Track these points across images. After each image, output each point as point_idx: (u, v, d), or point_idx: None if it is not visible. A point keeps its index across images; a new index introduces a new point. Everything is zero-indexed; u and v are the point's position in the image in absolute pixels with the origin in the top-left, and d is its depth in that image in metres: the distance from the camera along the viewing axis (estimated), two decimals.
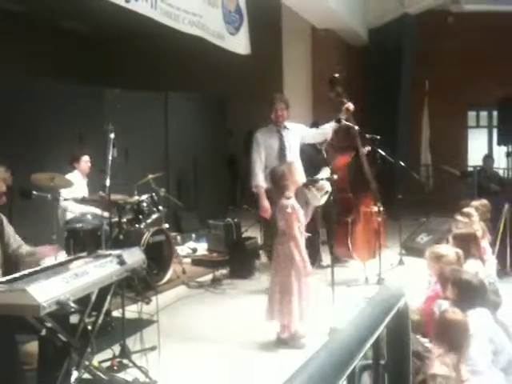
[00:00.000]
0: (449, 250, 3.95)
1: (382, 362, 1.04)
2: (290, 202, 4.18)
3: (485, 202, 5.96)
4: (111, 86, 9.07)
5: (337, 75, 6.22)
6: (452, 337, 2.68)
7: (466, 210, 5.58)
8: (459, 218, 5.61)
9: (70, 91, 8.07)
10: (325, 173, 5.49)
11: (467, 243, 4.31)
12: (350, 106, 5.98)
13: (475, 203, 5.85)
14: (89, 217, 6.14)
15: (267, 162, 5.62)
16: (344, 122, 6.01)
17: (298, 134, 5.86)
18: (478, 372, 2.70)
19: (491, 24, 11.19)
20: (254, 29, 7.71)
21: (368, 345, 0.81)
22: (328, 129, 5.88)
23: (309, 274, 4.25)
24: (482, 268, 4.16)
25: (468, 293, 3.14)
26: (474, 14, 11.35)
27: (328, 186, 5.48)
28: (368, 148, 6.22)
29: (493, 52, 11.32)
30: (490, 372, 2.79)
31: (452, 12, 11.76)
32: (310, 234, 4.51)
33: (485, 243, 5.18)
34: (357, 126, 6.06)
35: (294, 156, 5.67)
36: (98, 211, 5.98)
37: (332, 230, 5.40)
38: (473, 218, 5.42)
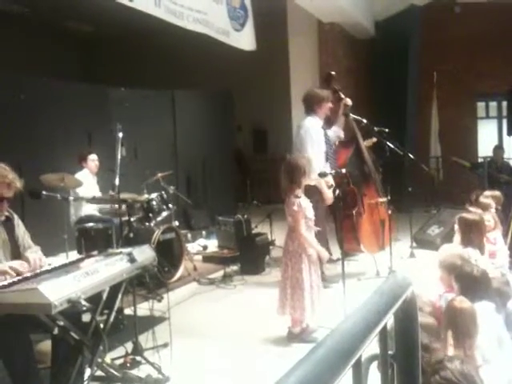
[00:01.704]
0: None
1: (391, 352, 1.04)
2: (298, 199, 4.17)
3: (497, 193, 5.92)
4: (117, 85, 9.11)
5: (332, 72, 6.23)
6: (462, 324, 2.67)
7: (484, 200, 5.55)
8: (471, 208, 5.58)
9: (76, 91, 8.12)
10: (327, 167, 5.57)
11: (469, 229, 4.30)
12: (348, 101, 6.02)
13: (488, 194, 5.82)
14: (100, 215, 6.18)
15: (319, 151, 5.72)
16: (352, 115, 6.02)
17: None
18: (487, 360, 2.69)
19: (498, 13, 11.09)
20: (260, 24, 7.70)
21: (374, 333, 0.81)
22: (340, 131, 6.08)
23: (317, 269, 4.25)
24: (481, 258, 4.12)
25: (470, 285, 3.13)
26: (480, 4, 11.26)
27: (331, 180, 5.49)
28: (373, 140, 6.23)
29: (501, 41, 11.23)
30: (498, 360, 2.78)
31: (458, 2, 11.68)
32: (319, 229, 4.49)
33: (497, 234, 5.16)
34: (365, 119, 6.06)
35: (333, 151, 5.92)
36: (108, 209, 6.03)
37: (339, 223, 5.39)
38: (491, 209, 5.40)
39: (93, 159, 6.33)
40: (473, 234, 4.29)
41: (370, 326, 0.78)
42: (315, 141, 5.69)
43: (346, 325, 0.76)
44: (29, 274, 2.98)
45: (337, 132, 6.10)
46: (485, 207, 5.39)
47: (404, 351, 1.04)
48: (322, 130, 5.83)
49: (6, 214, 3.37)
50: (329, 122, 6.08)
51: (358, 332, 0.74)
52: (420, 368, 1.08)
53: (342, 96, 6.07)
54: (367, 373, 1.21)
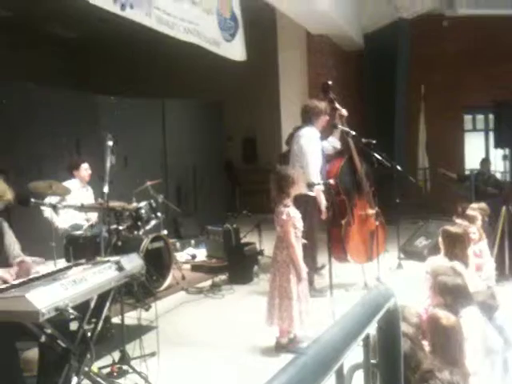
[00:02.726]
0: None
1: (374, 361, 1.07)
2: (287, 209, 4.20)
3: (483, 205, 5.97)
4: (107, 93, 9.12)
5: (329, 82, 6.28)
6: (452, 342, 2.70)
7: (470, 213, 5.59)
8: (458, 220, 5.63)
9: (66, 98, 8.12)
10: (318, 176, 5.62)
11: (452, 241, 4.33)
12: (343, 111, 6.08)
13: (474, 206, 5.87)
14: (88, 223, 6.17)
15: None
16: (340, 126, 6.07)
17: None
18: (475, 372, 2.72)
19: (486, 28, 11.26)
20: (250, 35, 7.76)
21: (356, 342, 0.83)
22: (336, 142, 6.14)
23: (304, 279, 4.27)
24: (465, 270, 4.16)
25: (458, 294, 3.16)
26: (468, 18, 11.41)
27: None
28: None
29: (488, 55, 11.39)
30: (485, 371, 2.81)
31: (447, 16, 11.83)
32: (305, 241, 4.51)
33: (482, 246, 5.20)
34: (353, 130, 6.11)
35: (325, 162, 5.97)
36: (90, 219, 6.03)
37: (328, 233, 5.44)
38: (477, 221, 5.44)
39: (86, 168, 6.31)
40: (456, 246, 4.32)
41: (352, 335, 0.81)
42: (315, 151, 5.74)
43: (328, 334, 0.78)
44: (16, 282, 2.98)
45: (333, 142, 6.14)
46: (471, 219, 5.43)
47: (387, 360, 1.07)
48: (320, 141, 5.89)
49: None
50: (325, 133, 6.13)
51: (339, 341, 0.77)
52: (402, 377, 1.10)
53: (338, 106, 6.12)
54: (351, 381, 1.23)
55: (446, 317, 2.76)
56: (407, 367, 2.23)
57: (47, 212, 5.50)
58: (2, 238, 3.44)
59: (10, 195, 3.29)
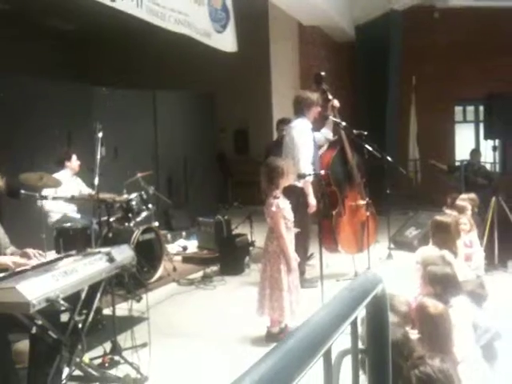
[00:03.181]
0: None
1: (362, 346, 1.08)
2: (276, 200, 4.21)
3: (473, 195, 6.01)
4: (99, 84, 9.07)
5: (322, 73, 6.27)
6: (440, 331, 2.72)
7: (460, 203, 5.63)
8: (448, 211, 5.67)
9: (57, 89, 8.06)
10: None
11: (441, 231, 4.37)
12: (336, 102, 6.08)
13: (464, 197, 5.91)
14: (75, 216, 6.16)
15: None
16: (331, 118, 6.08)
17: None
18: (464, 359, 2.75)
19: (477, 19, 11.28)
20: (241, 26, 7.73)
21: (344, 326, 0.84)
22: (329, 133, 6.15)
23: (295, 270, 4.29)
24: (455, 260, 4.19)
25: (447, 284, 3.19)
26: (459, 10, 11.44)
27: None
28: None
29: (479, 47, 11.42)
30: (473, 357, 2.84)
31: (438, 8, 11.84)
32: (298, 230, 4.53)
33: (473, 236, 5.24)
34: (344, 121, 6.12)
35: (318, 154, 5.96)
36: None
37: (318, 223, 5.46)
38: (467, 212, 5.48)
39: (75, 159, 6.32)
40: (445, 236, 4.36)
41: (340, 319, 0.81)
42: (307, 142, 5.74)
43: (315, 317, 0.79)
44: (6, 273, 2.97)
45: (326, 134, 6.15)
46: (461, 210, 5.48)
47: (375, 346, 1.08)
48: (311, 133, 5.89)
49: None
50: (317, 124, 6.14)
51: (327, 323, 0.77)
52: (390, 362, 1.12)
53: (330, 97, 6.12)
54: (339, 367, 1.25)
55: (433, 305, 2.78)
56: (400, 355, 2.25)
57: (43, 205, 5.48)
58: None
59: (0, 182, 3.30)
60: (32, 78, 7.86)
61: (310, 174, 5.28)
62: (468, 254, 4.92)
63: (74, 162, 6.30)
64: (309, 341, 0.72)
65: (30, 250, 3.43)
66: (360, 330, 1.10)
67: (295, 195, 5.41)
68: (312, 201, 5.62)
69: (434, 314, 2.74)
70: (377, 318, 1.05)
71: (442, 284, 3.20)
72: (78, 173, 6.40)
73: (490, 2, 11.16)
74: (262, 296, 4.25)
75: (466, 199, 5.78)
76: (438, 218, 4.58)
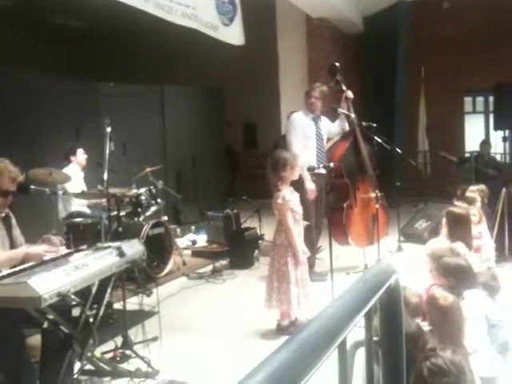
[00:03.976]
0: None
1: (376, 338, 1.07)
2: (281, 193, 4.20)
3: (483, 187, 5.98)
4: (106, 80, 9.07)
5: (336, 64, 6.23)
6: (450, 322, 2.71)
7: (470, 195, 5.60)
8: (458, 203, 5.64)
9: (65, 86, 8.07)
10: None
11: (456, 223, 4.35)
12: (350, 93, 6.05)
13: (473, 188, 5.87)
14: (88, 209, 6.18)
15: (306, 144, 5.74)
16: (340, 110, 6.05)
17: (326, 125, 6.03)
18: (476, 349, 2.74)
19: (486, 9, 11.17)
20: (249, 19, 7.70)
21: (358, 317, 0.83)
22: (344, 124, 6.10)
23: (303, 263, 4.28)
24: (468, 252, 4.18)
25: (461, 276, 3.17)
26: (468, 0, 11.32)
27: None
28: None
29: (488, 37, 11.31)
30: (485, 349, 2.83)
31: None
32: (308, 223, 4.52)
33: (482, 228, 5.21)
34: (353, 114, 6.08)
35: (324, 145, 5.92)
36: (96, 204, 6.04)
37: (328, 216, 5.44)
38: (477, 203, 5.45)
39: (82, 152, 6.32)
40: (459, 227, 4.34)
41: (354, 310, 0.81)
42: (299, 134, 5.72)
43: (330, 309, 0.78)
44: (17, 269, 2.98)
45: (341, 125, 6.12)
46: (471, 201, 5.45)
47: (388, 337, 1.07)
48: (312, 123, 5.85)
49: (6, 211, 3.42)
50: (332, 116, 6.12)
51: (342, 315, 0.77)
52: (404, 354, 1.11)
53: (344, 88, 6.09)
54: (353, 358, 1.24)
55: (443, 297, 2.77)
56: (415, 347, 2.24)
57: (57, 201, 5.49)
58: (10, 229, 3.48)
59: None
60: (39, 75, 7.88)
61: (319, 167, 5.25)
62: (477, 245, 4.89)
63: (80, 156, 6.29)
64: (323, 332, 0.71)
65: (52, 237, 3.48)
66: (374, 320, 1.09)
67: (301, 189, 5.41)
68: (309, 185, 5.55)
69: (444, 306, 2.73)
70: (391, 309, 1.04)
71: (455, 276, 3.18)
72: (86, 167, 6.40)
73: None
74: (270, 289, 4.25)
75: (475, 191, 5.75)
76: (455, 210, 4.55)
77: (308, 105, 5.88)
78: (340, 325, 0.75)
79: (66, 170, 5.91)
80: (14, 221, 3.55)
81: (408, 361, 1.12)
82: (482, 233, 5.16)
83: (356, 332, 1.02)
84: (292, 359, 0.65)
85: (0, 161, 3.30)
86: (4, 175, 3.26)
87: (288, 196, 4.20)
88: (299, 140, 5.71)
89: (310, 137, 5.79)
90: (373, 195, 6.14)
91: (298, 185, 5.17)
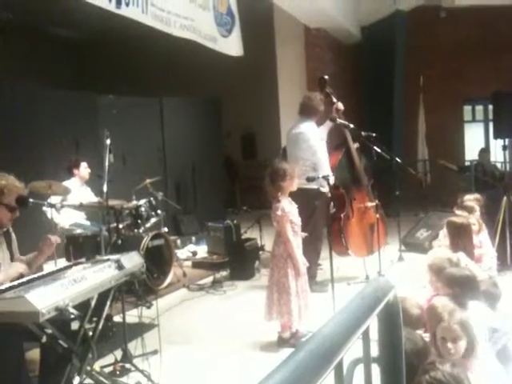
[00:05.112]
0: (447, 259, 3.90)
1: (374, 355, 1.05)
2: (281, 204, 4.19)
3: (478, 195, 5.97)
4: (105, 92, 9.09)
5: (326, 76, 6.26)
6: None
7: (468, 203, 5.59)
8: (458, 212, 5.62)
9: (64, 97, 8.09)
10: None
11: (458, 232, 4.34)
12: (340, 105, 6.07)
13: (470, 197, 5.85)
14: (85, 223, 6.17)
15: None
16: (338, 120, 6.05)
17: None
18: (476, 356, 2.72)
19: (483, 18, 11.22)
20: (247, 30, 7.73)
21: (356, 336, 0.82)
22: (323, 133, 6.05)
23: (303, 274, 4.26)
24: (471, 262, 4.16)
25: (463, 286, 3.16)
26: (465, 9, 11.37)
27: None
28: (356, 145, 6.30)
29: (486, 46, 11.35)
30: (488, 360, 2.80)
31: (444, 7, 11.78)
32: (306, 234, 4.50)
33: (482, 237, 5.19)
34: (351, 123, 6.09)
35: None
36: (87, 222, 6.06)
37: (328, 227, 5.43)
38: (475, 212, 5.44)
39: (85, 166, 6.33)
40: (461, 237, 4.33)
41: (351, 329, 0.79)
42: (322, 145, 5.77)
43: (326, 328, 0.77)
44: (15, 283, 2.97)
45: (321, 133, 6.10)
46: (470, 210, 5.44)
47: (387, 354, 1.05)
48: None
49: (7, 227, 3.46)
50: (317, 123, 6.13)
51: (338, 334, 0.75)
52: (404, 370, 1.09)
53: (334, 100, 6.11)
54: (352, 376, 1.22)
55: (442, 306, 2.75)
56: (420, 362, 2.23)
57: (49, 213, 5.48)
58: (10, 244, 3.50)
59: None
60: (37, 86, 7.89)
61: (318, 177, 5.23)
62: (478, 255, 4.87)
63: (83, 170, 6.30)
64: (320, 353, 0.69)
65: (51, 236, 3.51)
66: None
67: (311, 198, 5.39)
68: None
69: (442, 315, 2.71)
70: (389, 325, 1.03)
71: (460, 286, 3.16)
72: (87, 181, 6.40)
73: (496, 0, 11.08)
74: (270, 300, 4.23)
75: (472, 200, 5.74)
76: (455, 220, 4.54)
77: (317, 120, 5.90)
78: (336, 345, 0.73)
79: (66, 183, 5.91)
80: (13, 236, 3.57)
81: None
82: (482, 242, 5.15)
83: (354, 348, 1.00)
84: (288, 381, 0.63)
85: (5, 177, 3.35)
86: (13, 192, 3.32)
87: (287, 207, 4.19)
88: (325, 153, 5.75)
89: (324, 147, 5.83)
90: (369, 205, 6.14)
91: (311, 196, 5.19)
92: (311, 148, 5.71)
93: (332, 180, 5.32)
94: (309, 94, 6.09)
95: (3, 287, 2.85)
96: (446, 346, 2.57)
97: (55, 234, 5.22)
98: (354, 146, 6.27)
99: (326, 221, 5.75)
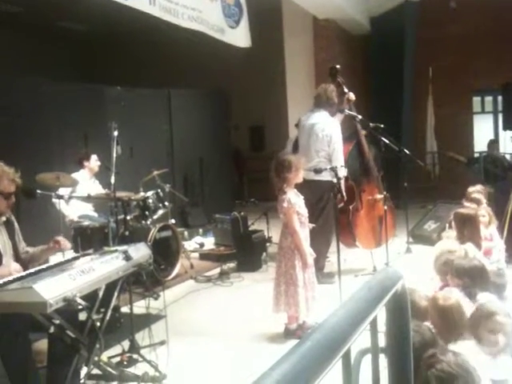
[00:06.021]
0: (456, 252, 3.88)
1: (382, 345, 1.04)
2: (287, 196, 4.17)
3: (481, 187, 5.93)
4: (113, 84, 9.09)
5: (337, 66, 6.21)
6: (450, 322, 2.68)
7: (475, 196, 5.57)
8: (466, 204, 5.59)
9: (72, 90, 8.11)
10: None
11: (464, 223, 4.32)
12: (351, 95, 6.02)
13: (473, 189, 5.81)
14: (96, 213, 6.19)
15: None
16: (347, 111, 6.02)
17: None
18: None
19: (493, 8, 11.09)
20: (255, 21, 7.69)
21: (363, 326, 0.81)
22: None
23: (310, 266, 4.25)
24: (478, 253, 4.14)
25: (473, 278, 3.14)
26: (476, 0, 11.24)
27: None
28: (364, 132, 6.25)
29: (496, 36, 11.23)
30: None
31: None
32: (313, 225, 4.48)
33: (492, 230, 5.16)
34: (360, 115, 6.05)
35: None
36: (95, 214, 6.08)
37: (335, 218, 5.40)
38: (482, 204, 5.41)
39: (96, 159, 6.34)
40: (467, 228, 4.31)
41: (359, 319, 0.78)
42: (340, 138, 5.76)
43: (334, 318, 0.76)
44: (24, 273, 2.98)
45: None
46: (478, 202, 5.41)
47: (395, 344, 1.04)
48: None
49: (7, 216, 3.43)
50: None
51: (345, 324, 0.74)
52: (411, 361, 1.08)
53: (346, 90, 6.06)
54: (359, 366, 1.21)
55: (443, 297, 2.75)
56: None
57: (58, 204, 5.50)
58: (13, 234, 3.49)
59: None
60: (45, 80, 7.90)
61: (325, 169, 5.20)
62: (488, 248, 4.84)
63: (93, 163, 6.31)
64: (327, 343, 0.69)
65: (60, 238, 3.51)
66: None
67: (325, 190, 5.36)
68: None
69: (444, 306, 2.71)
70: (397, 315, 1.02)
71: (470, 276, 3.15)
72: (97, 173, 6.41)
73: None
74: (278, 292, 4.22)
75: (475, 191, 5.71)
76: (462, 211, 4.52)
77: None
78: (344, 335, 0.72)
79: (75, 175, 5.92)
80: (16, 225, 3.55)
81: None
82: (493, 234, 5.12)
83: (362, 338, 0.99)
84: (294, 371, 0.63)
85: None
86: (3, 178, 3.29)
87: (293, 199, 4.18)
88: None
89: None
90: (379, 197, 6.11)
91: (324, 188, 5.17)
92: (327, 138, 5.65)
93: (343, 172, 5.29)
94: (325, 86, 5.96)
95: (11, 278, 2.87)
96: (495, 337, 2.58)
97: (67, 226, 5.27)
98: (363, 133, 6.21)
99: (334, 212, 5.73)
